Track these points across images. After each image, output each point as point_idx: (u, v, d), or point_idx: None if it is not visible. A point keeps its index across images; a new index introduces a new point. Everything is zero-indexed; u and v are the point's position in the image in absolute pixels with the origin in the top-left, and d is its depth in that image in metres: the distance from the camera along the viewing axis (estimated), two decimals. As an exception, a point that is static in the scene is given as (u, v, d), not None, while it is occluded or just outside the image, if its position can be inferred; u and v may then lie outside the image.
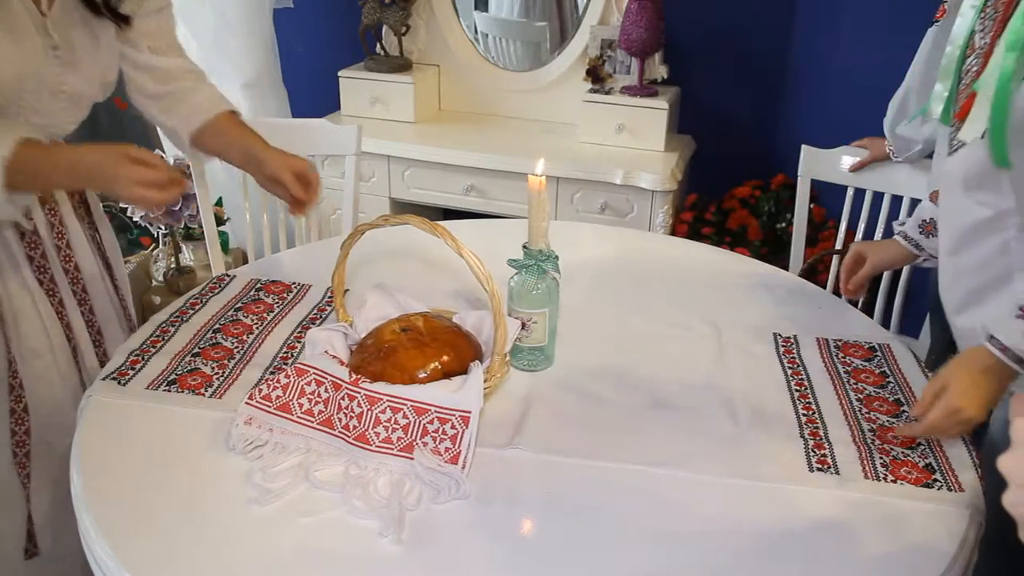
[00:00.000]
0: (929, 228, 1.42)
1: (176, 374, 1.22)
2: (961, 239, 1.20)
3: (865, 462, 1.08)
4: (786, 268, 2.06)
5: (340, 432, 1.06)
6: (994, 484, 1.26)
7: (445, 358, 1.11)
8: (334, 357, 1.13)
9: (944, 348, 1.81)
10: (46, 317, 1.36)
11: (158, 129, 2.97)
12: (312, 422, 1.08)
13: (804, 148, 2.05)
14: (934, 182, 1.76)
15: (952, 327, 1.30)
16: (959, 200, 1.19)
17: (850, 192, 2.02)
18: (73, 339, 1.40)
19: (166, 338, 1.31)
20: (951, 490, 1.03)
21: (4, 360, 1.32)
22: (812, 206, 2.52)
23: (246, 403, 1.09)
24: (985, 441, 1.31)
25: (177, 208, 2.49)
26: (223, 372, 1.23)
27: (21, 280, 1.33)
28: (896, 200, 1.97)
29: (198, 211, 2.13)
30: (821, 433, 1.14)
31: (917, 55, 1.80)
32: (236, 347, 1.30)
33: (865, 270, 1.49)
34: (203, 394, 1.17)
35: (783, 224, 2.56)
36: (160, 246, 2.79)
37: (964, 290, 1.23)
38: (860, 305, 1.66)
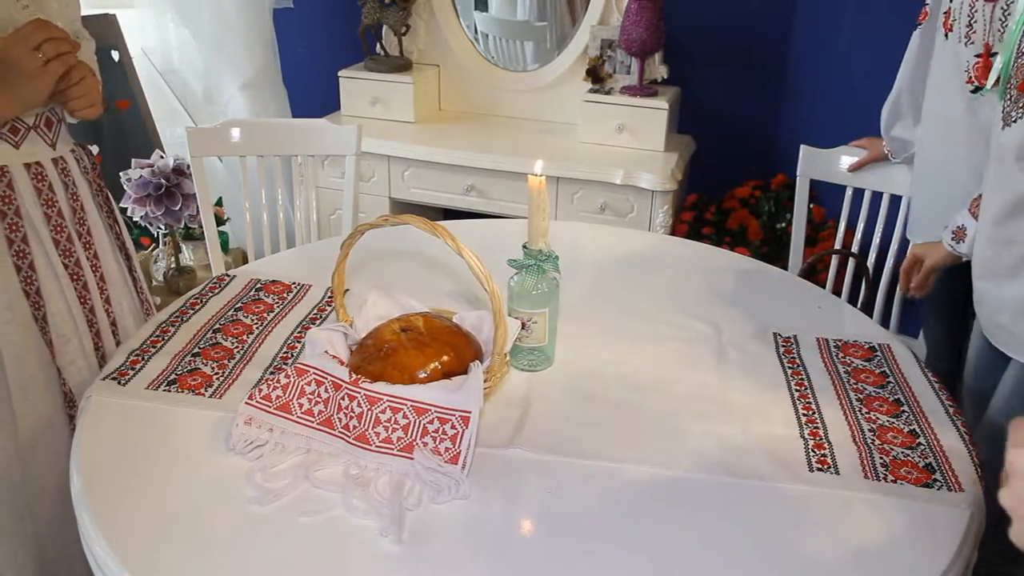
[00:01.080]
0: (961, 234, 1.51)
1: (176, 374, 1.22)
2: (1012, 208, 1.25)
3: (865, 462, 1.08)
4: (786, 268, 2.06)
5: (340, 432, 1.06)
6: (993, 468, 1.26)
7: (445, 358, 1.11)
8: (334, 357, 1.13)
9: (946, 345, 1.81)
10: (71, 301, 1.38)
11: (158, 130, 2.97)
12: (312, 422, 1.08)
13: (803, 148, 2.05)
14: (921, 180, 1.79)
15: (990, 299, 1.33)
16: (1010, 170, 1.23)
17: (849, 192, 2.02)
18: (96, 324, 1.42)
19: (166, 338, 1.32)
20: (951, 490, 1.03)
21: (45, 344, 1.35)
22: (812, 206, 2.52)
23: (246, 403, 1.09)
24: (983, 421, 1.32)
25: (177, 208, 2.49)
26: (223, 372, 1.23)
27: (49, 264, 1.35)
28: (895, 200, 1.97)
29: (198, 211, 2.13)
30: (821, 433, 1.14)
31: (905, 57, 1.81)
32: (236, 347, 1.30)
33: (925, 270, 1.59)
34: (203, 394, 1.17)
35: (783, 224, 2.56)
36: (160, 246, 2.79)
37: (1015, 257, 1.26)
38: (860, 305, 1.67)
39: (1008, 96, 1.23)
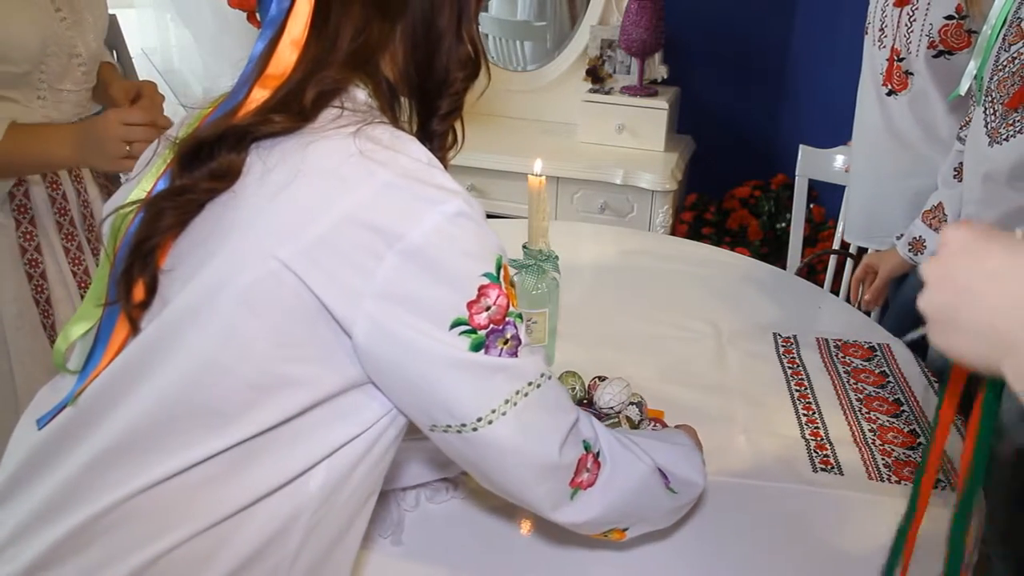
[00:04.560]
0: (919, 246, 1.49)
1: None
2: (997, 227, 1.21)
3: (868, 463, 1.08)
4: (786, 268, 2.06)
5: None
6: (1001, 483, 1.26)
7: (445, 358, 1.11)
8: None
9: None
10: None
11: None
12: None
13: (802, 148, 2.05)
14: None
15: None
16: (999, 190, 1.20)
17: (849, 192, 2.01)
18: None
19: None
20: (954, 490, 1.03)
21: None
22: (812, 206, 2.51)
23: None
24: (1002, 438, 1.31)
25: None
26: (223, 372, 1.23)
27: (60, 273, 1.36)
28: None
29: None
30: (822, 433, 1.14)
31: None
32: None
33: (880, 280, 1.56)
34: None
35: (783, 224, 2.55)
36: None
37: None
38: (858, 305, 1.67)
39: (993, 111, 1.21)
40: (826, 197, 2.51)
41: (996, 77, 1.21)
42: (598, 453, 0.77)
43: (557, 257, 1.23)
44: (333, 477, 0.71)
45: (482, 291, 0.67)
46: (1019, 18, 1.18)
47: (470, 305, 0.66)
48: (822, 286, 1.86)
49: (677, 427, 0.99)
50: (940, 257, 0.54)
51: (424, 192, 0.66)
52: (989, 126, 1.20)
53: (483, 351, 0.67)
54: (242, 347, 0.66)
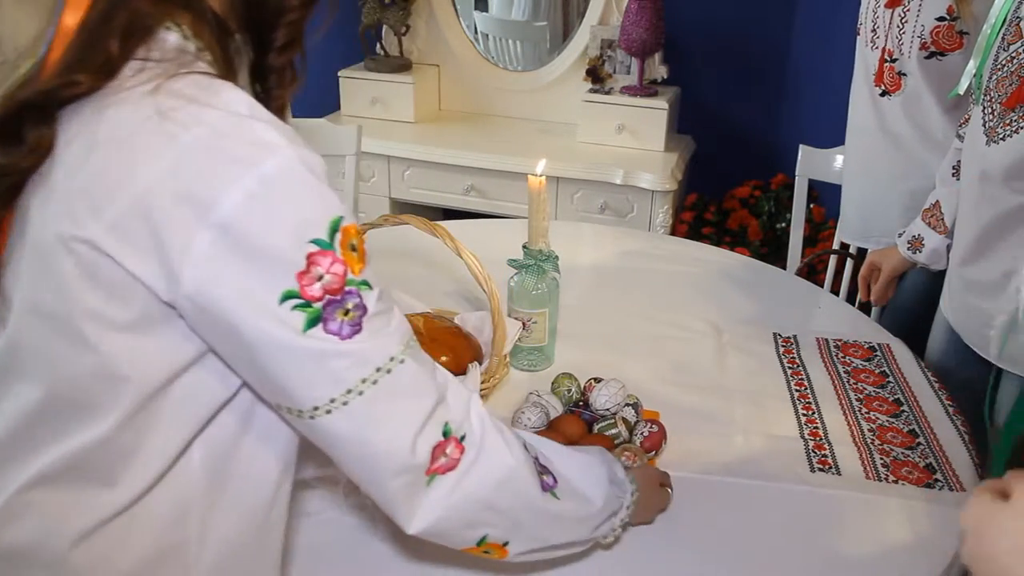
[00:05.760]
0: (917, 244, 1.49)
1: (176, 374, 1.21)
2: (996, 224, 1.22)
3: (866, 462, 1.08)
4: (786, 268, 2.06)
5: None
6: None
7: (443, 359, 1.11)
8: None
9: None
10: None
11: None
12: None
13: (802, 148, 2.05)
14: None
15: (978, 312, 1.29)
16: (994, 189, 1.20)
17: (850, 192, 2.01)
18: None
19: (166, 338, 1.31)
20: (952, 490, 1.03)
21: None
22: (812, 206, 2.51)
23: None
24: (991, 428, 1.31)
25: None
26: (223, 372, 1.23)
27: None
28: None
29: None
30: (821, 433, 1.14)
31: None
32: (236, 347, 1.30)
33: (884, 277, 1.56)
34: (203, 394, 1.17)
35: (783, 224, 2.55)
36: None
37: (999, 273, 1.23)
38: (857, 304, 1.67)
39: (991, 110, 1.21)
40: (826, 197, 2.51)
41: (995, 77, 1.21)
42: (463, 437, 0.70)
43: (557, 257, 1.23)
44: (215, 456, 0.67)
45: (311, 260, 0.60)
46: (1018, 17, 1.18)
47: (300, 276, 0.59)
48: (822, 286, 1.86)
49: (643, 467, 0.96)
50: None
51: (236, 151, 0.58)
52: (987, 125, 1.20)
53: (320, 325, 0.61)
54: (77, 337, 0.61)
